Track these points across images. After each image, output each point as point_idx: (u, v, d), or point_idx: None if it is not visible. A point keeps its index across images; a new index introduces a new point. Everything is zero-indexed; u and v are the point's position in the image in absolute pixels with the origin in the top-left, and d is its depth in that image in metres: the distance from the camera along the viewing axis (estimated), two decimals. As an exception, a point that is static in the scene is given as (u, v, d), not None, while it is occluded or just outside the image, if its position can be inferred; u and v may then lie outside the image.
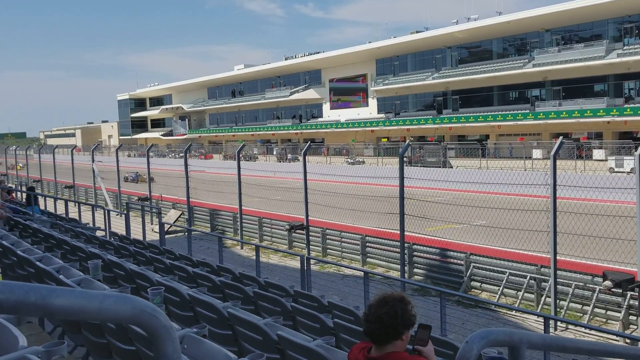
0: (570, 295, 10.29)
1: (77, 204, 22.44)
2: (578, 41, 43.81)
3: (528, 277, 11.04)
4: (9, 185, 27.66)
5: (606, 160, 35.40)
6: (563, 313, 10.15)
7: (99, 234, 12.54)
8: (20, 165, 38.13)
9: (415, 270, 13.43)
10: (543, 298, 10.67)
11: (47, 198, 23.39)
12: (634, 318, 9.69)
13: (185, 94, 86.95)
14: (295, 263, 12.76)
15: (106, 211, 16.62)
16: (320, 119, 66.21)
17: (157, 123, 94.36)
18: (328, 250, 16.00)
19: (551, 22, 44.36)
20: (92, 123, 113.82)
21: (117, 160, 24.63)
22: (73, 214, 19.36)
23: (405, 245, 12.54)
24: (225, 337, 4.46)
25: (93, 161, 26.23)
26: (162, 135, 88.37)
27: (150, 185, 23.02)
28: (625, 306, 9.61)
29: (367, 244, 14.86)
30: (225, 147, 66.60)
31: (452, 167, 38.07)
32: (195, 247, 15.76)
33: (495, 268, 11.74)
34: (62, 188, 30.70)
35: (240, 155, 18.11)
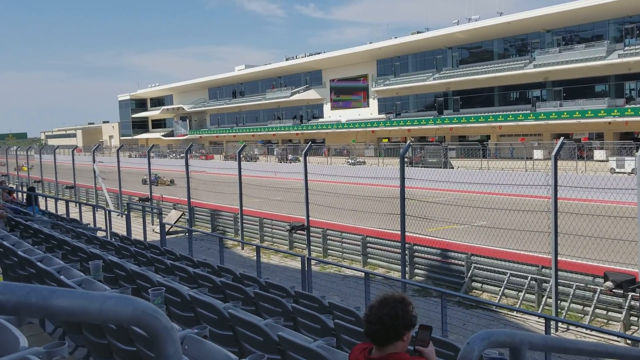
0: (571, 296, 10.28)
1: (78, 204, 22.45)
2: (579, 42, 43.78)
3: (529, 278, 11.03)
4: (10, 185, 27.69)
5: (607, 161, 35.37)
6: (564, 314, 10.14)
7: (99, 234, 12.55)
8: (26, 165, 37.90)
9: (416, 271, 13.43)
10: (544, 299, 10.66)
11: (48, 198, 23.40)
12: (635, 319, 9.68)
13: (186, 94, 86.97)
14: (296, 264, 12.76)
15: (107, 212, 16.63)
16: (321, 120, 66.20)
17: (158, 123, 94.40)
18: (329, 251, 15.99)
19: (552, 22, 44.33)
20: (93, 123, 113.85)
21: (118, 161, 24.65)
22: (74, 214, 19.38)
23: (406, 246, 12.53)
24: (226, 337, 4.46)
25: (94, 162, 26.25)
26: (163, 135, 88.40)
27: (151, 186, 23.04)
28: (626, 307, 9.60)
29: (368, 244, 14.85)
30: (226, 148, 66.61)
31: (453, 168, 38.07)
32: (196, 248, 15.76)
33: (496, 269, 11.73)
34: (63, 188, 30.73)
35: (241, 156, 18.11)
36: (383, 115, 58.76)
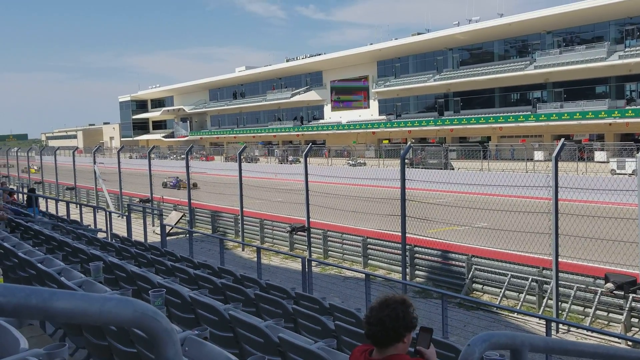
0: (572, 298, 10.27)
1: (78, 205, 22.47)
2: (579, 43, 43.78)
3: (530, 280, 11.02)
4: (11, 187, 27.70)
5: (608, 162, 35.35)
6: (565, 315, 10.13)
7: (100, 235, 12.55)
8: (35, 168, 37.07)
9: (417, 272, 13.42)
10: (545, 300, 10.65)
11: (48, 200, 23.41)
12: (636, 320, 9.67)
13: (187, 95, 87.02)
14: (297, 265, 12.75)
15: (107, 213, 16.64)
16: (321, 121, 66.21)
17: (159, 125, 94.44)
18: (329, 252, 15.99)
19: (552, 23, 44.34)
20: (93, 125, 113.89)
21: (119, 162, 24.66)
22: (74, 215, 19.39)
23: (407, 247, 12.52)
24: (226, 339, 4.46)
25: (95, 163, 26.26)
26: (163, 136, 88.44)
27: (152, 186, 23.02)
28: (627, 308, 9.59)
29: (369, 245, 14.84)
30: (227, 149, 66.64)
31: (453, 169, 38.05)
32: (197, 249, 15.76)
33: (497, 270, 11.73)
34: (64, 190, 30.74)
35: (242, 157, 18.11)
36: (383, 117, 58.76)
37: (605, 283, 9.78)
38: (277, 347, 3.89)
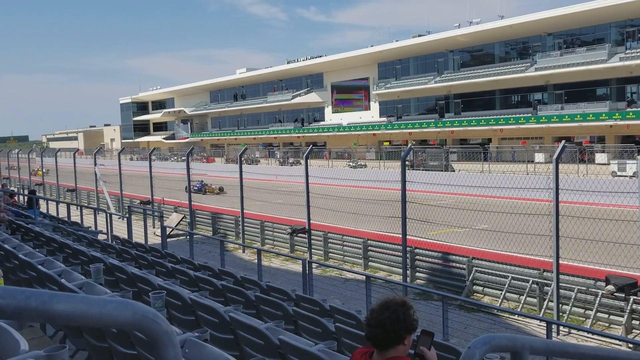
0: (572, 300, 10.27)
1: (79, 207, 22.47)
2: (580, 45, 43.78)
3: (530, 282, 11.01)
4: (11, 188, 27.72)
5: (608, 164, 35.33)
6: (566, 317, 10.12)
7: (100, 237, 12.55)
8: (43, 170, 36.27)
9: (418, 274, 13.42)
10: (545, 302, 10.64)
11: (49, 201, 23.42)
12: (637, 323, 9.66)
13: (188, 97, 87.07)
14: (297, 267, 12.75)
15: (108, 215, 16.64)
16: (322, 123, 66.24)
17: (160, 126, 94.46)
18: (330, 254, 15.98)
19: (553, 25, 44.35)
20: (94, 126, 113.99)
21: (120, 164, 24.67)
22: (75, 217, 19.38)
23: (408, 249, 12.52)
24: (227, 341, 4.46)
25: (95, 164, 26.27)
26: (164, 138, 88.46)
27: (152, 187, 23.01)
28: (628, 311, 9.58)
29: (369, 247, 14.84)
30: (227, 151, 66.60)
31: (454, 171, 38.07)
32: (197, 251, 15.76)
33: (498, 272, 11.72)
34: (64, 191, 30.75)
35: (242, 159, 18.11)
36: (384, 119, 58.77)
37: (606, 285, 9.78)
38: (278, 349, 3.89)
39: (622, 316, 9.66)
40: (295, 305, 6.29)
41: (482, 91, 50.00)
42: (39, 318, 1.27)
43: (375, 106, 60.47)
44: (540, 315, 10.33)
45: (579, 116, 41.34)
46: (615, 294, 9.66)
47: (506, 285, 11.34)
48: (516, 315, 10.32)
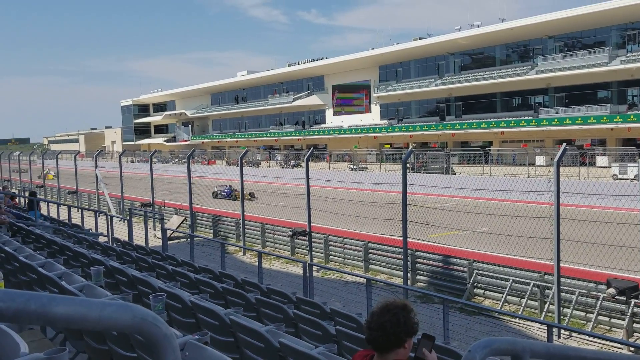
0: (573, 303, 10.25)
1: (80, 209, 22.47)
2: (581, 48, 43.82)
3: (531, 285, 11.00)
4: (12, 191, 27.73)
5: (610, 167, 35.31)
6: (567, 321, 10.10)
7: (101, 239, 12.56)
8: (52, 173, 35.45)
9: (418, 277, 13.41)
10: (546, 305, 10.62)
11: (50, 204, 23.44)
12: (638, 326, 9.64)
13: (189, 100, 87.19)
14: (298, 269, 12.74)
15: (109, 217, 16.64)
16: (323, 125, 66.29)
17: (161, 129, 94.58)
18: (330, 257, 15.97)
19: (554, 28, 44.38)
20: (95, 129, 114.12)
21: (120, 166, 24.68)
22: (76, 219, 19.39)
23: (408, 252, 12.51)
24: (227, 344, 4.45)
25: (96, 167, 26.29)
26: (165, 141, 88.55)
27: (153, 190, 23.01)
28: (629, 314, 9.56)
29: (370, 250, 14.83)
30: (228, 153, 66.67)
31: (455, 174, 38.06)
32: (198, 253, 15.75)
33: (499, 275, 11.71)
34: (65, 194, 30.77)
35: (243, 161, 18.12)
36: (385, 121, 58.81)
37: (607, 288, 9.76)
38: (278, 352, 3.88)
39: (624, 319, 9.64)
40: (295, 308, 6.28)
41: (483, 94, 50.02)
42: (39, 321, 1.27)
43: (376, 109, 60.50)
44: (541, 318, 10.31)
45: (580, 119, 41.35)
46: (616, 297, 9.65)
47: (507, 288, 11.32)
48: (517, 319, 10.30)
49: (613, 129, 40.12)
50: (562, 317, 10.04)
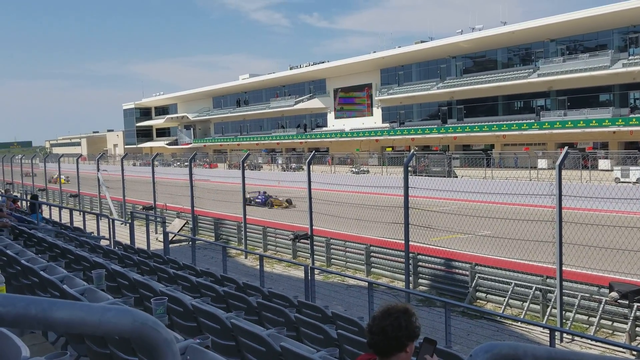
0: (576, 307, 10.22)
1: (81, 213, 22.48)
2: (583, 51, 43.82)
3: (534, 288, 10.97)
4: (14, 194, 27.75)
5: (612, 170, 35.25)
6: (569, 324, 10.07)
7: (103, 243, 12.55)
8: (64, 177, 34.44)
9: (420, 280, 13.38)
10: (549, 309, 10.60)
11: (52, 207, 23.46)
12: (641, 330, 9.60)
13: (191, 103, 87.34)
14: (299, 273, 12.73)
15: (110, 220, 16.65)
16: (324, 129, 66.34)
17: (163, 132, 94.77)
18: (332, 260, 15.95)
19: (556, 32, 44.40)
20: (97, 132, 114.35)
21: (122, 169, 24.70)
22: (78, 222, 19.40)
23: (410, 255, 12.48)
24: (228, 347, 4.44)
25: (98, 170, 26.32)
26: (167, 144, 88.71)
27: (155, 193, 23.01)
28: (631, 318, 9.53)
29: (372, 253, 14.81)
30: (230, 156, 66.72)
31: (456, 177, 37.99)
32: (199, 257, 15.75)
33: (501, 279, 11.68)
34: (67, 197, 30.79)
35: (245, 165, 18.14)
36: (387, 124, 58.84)
37: (610, 292, 9.73)
38: (279, 356, 3.87)
39: (626, 323, 9.61)
40: (297, 311, 6.27)
41: (485, 97, 50.04)
42: (39, 326, 1.27)
43: (377, 112, 60.54)
44: (544, 322, 10.28)
45: (582, 122, 41.33)
46: (619, 300, 9.62)
47: (509, 292, 11.29)
48: (519, 322, 10.28)
49: (615, 132, 40.08)
50: (564, 320, 10.01)
